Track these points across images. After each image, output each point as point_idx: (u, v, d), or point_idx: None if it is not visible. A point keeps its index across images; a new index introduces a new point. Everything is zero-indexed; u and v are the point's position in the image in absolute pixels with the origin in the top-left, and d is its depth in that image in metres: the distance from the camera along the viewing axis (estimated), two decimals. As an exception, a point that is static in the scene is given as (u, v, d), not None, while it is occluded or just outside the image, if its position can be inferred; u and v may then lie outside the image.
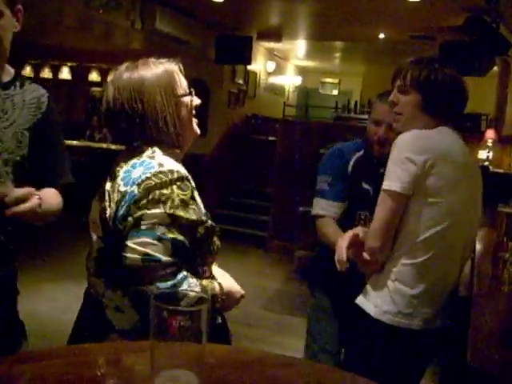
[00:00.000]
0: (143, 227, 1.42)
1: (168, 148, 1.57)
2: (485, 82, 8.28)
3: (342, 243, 1.90)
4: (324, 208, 2.44)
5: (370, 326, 1.90)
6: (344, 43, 10.74)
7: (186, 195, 1.47)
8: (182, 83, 1.63)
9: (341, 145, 2.60)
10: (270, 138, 9.58)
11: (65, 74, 11.02)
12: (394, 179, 1.80)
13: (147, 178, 1.45)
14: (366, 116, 10.30)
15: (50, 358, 1.09)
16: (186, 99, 1.63)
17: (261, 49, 10.91)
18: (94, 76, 10.78)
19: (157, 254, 1.41)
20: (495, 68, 7.58)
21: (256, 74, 10.99)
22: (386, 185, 1.83)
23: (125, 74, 1.58)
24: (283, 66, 13.09)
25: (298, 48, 11.56)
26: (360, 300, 1.96)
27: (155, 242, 1.41)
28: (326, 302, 2.64)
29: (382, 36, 8.71)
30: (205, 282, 1.54)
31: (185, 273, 1.46)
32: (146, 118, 1.53)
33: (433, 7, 6.40)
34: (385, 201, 1.83)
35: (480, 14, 5.97)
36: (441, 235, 1.82)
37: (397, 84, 1.97)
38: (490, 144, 7.08)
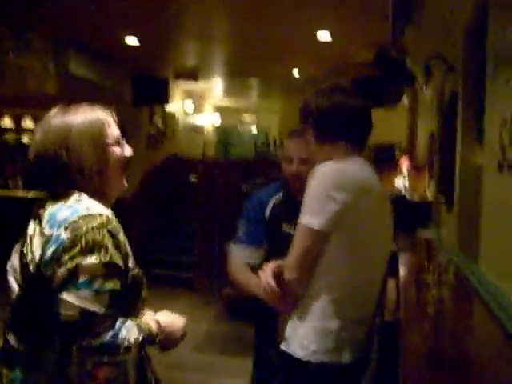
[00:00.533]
0: (80, 280, 1.36)
1: (93, 197, 1.52)
2: (396, 113, 8.65)
3: (267, 274, 1.85)
4: (237, 254, 2.45)
5: (297, 370, 1.83)
6: (260, 80, 10.95)
7: (117, 240, 1.44)
8: (113, 132, 1.59)
9: (259, 191, 2.63)
10: (192, 179, 9.54)
11: (-26, 120, 10.58)
12: (313, 215, 1.74)
13: (74, 222, 1.41)
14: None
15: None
16: (116, 149, 1.58)
17: (178, 89, 10.93)
18: (6, 122, 10.41)
19: (96, 309, 1.35)
20: (405, 100, 7.93)
21: (174, 114, 10.98)
22: (304, 219, 1.77)
23: (53, 119, 1.54)
24: (202, 105, 13.17)
25: (215, 86, 11.69)
26: (284, 345, 1.88)
27: (93, 295, 1.36)
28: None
29: (295, 72, 8.94)
30: (140, 320, 1.50)
31: (120, 319, 1.41)
32: (70, 164, 1.50)
33: (343, 45, 6.65)
34: (301, 236, 1.79)
35: (387, 50, 6.24)
36: (357, 268, 1.80)
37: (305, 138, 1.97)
38: (405, 172, 7.34)
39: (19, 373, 1.44)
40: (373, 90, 7.16)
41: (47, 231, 1.42)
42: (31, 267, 1.42)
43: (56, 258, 1.39)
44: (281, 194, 2.53)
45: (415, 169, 7.29)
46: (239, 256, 2.45)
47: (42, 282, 1.40)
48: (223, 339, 5.71)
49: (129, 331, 1.39)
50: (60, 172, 1.50)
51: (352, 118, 1.88)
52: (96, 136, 1.54)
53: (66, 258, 1.37)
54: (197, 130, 12.77)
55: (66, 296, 1.35)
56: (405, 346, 1.48)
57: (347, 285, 1.81)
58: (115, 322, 1.38)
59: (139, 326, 1.46)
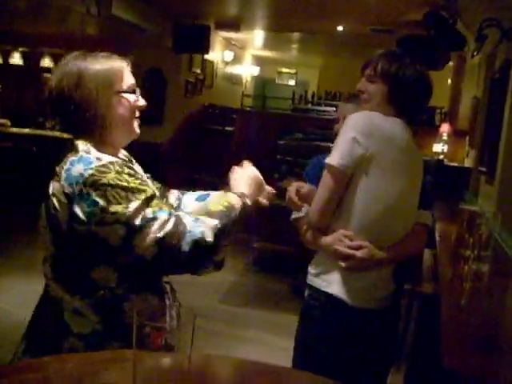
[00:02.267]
0: (137, 224, 1.39)
1: (101, 145, 1.54)
2: (439, 75, 8.43)
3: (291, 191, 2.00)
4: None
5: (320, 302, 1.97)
6: (302, 34, 10.74)
7: (137, 176, 1.50)
8: (127, 81, 1.60)
9: (321, 155, 2.67)
10: (227, 128, 9.52)
11: (16, 59, 10.67)
12: (338, 155, 1.85)
13: (92, 175, 1.42)
14: (323, 108, 10.38)
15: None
16: (128, 97, 1.59)
17: (218, 38, 10.80)
18: (46, 62, 10.46)
19: (162, 234, 1.40)
20: (450, 63, 7.71)
21: (213, 63, 10.89)
22: (329, 159, 1.87)
23: (70, 62, 1.55)
24: (241, 56, 13.01)
25: (255, 38, 11.51)
26: (310, 280, 2.02)
27: (155, 226, 1.40)
28: None
29: (340, 28, 8.74)
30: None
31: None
32: (81, 109, 1.51)
33: (393, 1, 6.45)
34: (325, 175, 1.89)
35: (438, 10, 6.04)
36: (377, 215, 1.89)
37: (366, 73, 1.99)
38: (445, 137, 7.21)
39: (64, 319, 1.49)
40: (420, 51, 6.97)
41: (67, 189, 1.44)
42: (64, 226, 1.45)
43: (97, 220, 1.41)
44: None
45: (456, 134, 7.17)
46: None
47: (75, 240, 1.44)
48: (249, 291, 5.79)
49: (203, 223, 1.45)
50: (73, 115, 1.52)
51: (420, 89, 1.97)
52: (107, 83, 1.55)
53: (110, 217, 1.40)
54: (235, 81, 12.66)
55: (138, 240, 1.39)
56: (447, 324, 1.48)
57: (366, 230, 1.89)
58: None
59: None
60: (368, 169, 1.84)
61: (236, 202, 1.54)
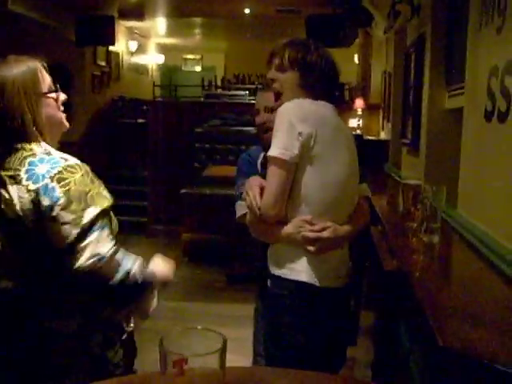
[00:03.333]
0: (92, 231, 1.46)
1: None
2: (345, 52, 8.62)
3: (255, 192, 1.96)
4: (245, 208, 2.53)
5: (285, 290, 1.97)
6: (205, 19, 10.63)
7: (99, 181, 1.56)
8: (46, 81, 1.62)
9: (248, 150, 2.72)
10: (139, 121, 9.29)
11: None
12: (280, 146, 1.86)
13: (59, 172, 1.47)
14: (235, 92, 10.35)
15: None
16: (51, 96, 1.62)
17: (121, 28, 10.48)
18: None
19: (110, 250, 1.47)
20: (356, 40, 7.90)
21: (118, 54, 10.57)
22: (273, 152, 1.87)
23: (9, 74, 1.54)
24: (145, 45, 12.72)
25: (159, 25, 11.28)
26: (272, 269, 2.01)
27: (105, 238, 1.48)
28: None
29: (247, 11, 8.72)
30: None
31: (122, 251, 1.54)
32: (9, 118, 1.51)
33: (298, -18, 6.51)
34: (274, 169, 1.88)
35: (344, -12, 6.17)
36: (327, 194, 1.93)
37: (274, 63, 2.02)
38: (359, 112, 7.40)
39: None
40: (327, 29, 7.09)
41: (32, 186, 1.45)
42: (18, 224, 1.45)
43: (54, 215, 1.43)
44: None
45: (369, 108, 7.37)
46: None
47: (39, 235, 1.45)
48: (186, 284, 5.74)
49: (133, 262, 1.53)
50: (2, 127, 1.52)
51: (328, 72, 2.01)
52: (29, 86, 1.55)
53: (69, 216, 1.43)
54: (141, 71, 12.37)
55: (84, 248, 1.43)
56: (426, 301, 1.51)
57: (322, 213, 1.92)
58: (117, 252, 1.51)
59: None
60: (311, 153, 1.87)
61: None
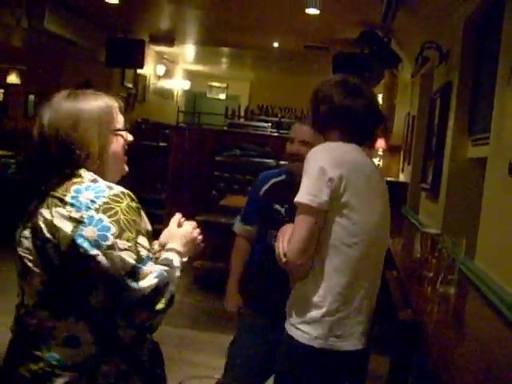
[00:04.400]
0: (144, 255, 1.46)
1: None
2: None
3: (284, 238, 1.88)
4: (237, 228, 2.80)
5: (297, 352, 1.87)
6: (233, 49, 10.77)
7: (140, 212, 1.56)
8: (120, 120, 1.64)
9: (263, 173, 2.83)
10: (161, 144, 9.37)
11: None
12: (310, 192, 1.78)
13: (105, 203, 1.44)
14: (259, 123, 10.42)
15: None
16: (122, 134, 1.64)
17: (151, 52, 10.66)
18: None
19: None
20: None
21: (146, 77, 10.73)
22: (302, 198, 1.80)
23: (64, 102, 1.57)
24: (172, 70, 12.90)
25: (187, 52, 11.45)
26: (288, 328, 1.90)
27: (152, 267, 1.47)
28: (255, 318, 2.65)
29: (275, 45, 8.82)
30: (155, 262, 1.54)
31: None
32: (78, 147, 1.52)
33: (330, 20, 6.57)
34: (302, 216, 1.80)
35: (373, 29, 6.21)
36: (357, 252, 1.83)
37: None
38: (380, 153, 7.40)
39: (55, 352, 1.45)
40: (353, 68, 7.13)
41: (75, 214, 1.43)
42: (61, 249, 1.42)
43: (110, 244, 1.41)
44: (284, 177, 2.65)
45: (390, 150, 7.36)
46: (237, 230, 2.79)
47: (74, 263, 1.42)
48: (194, 312, 5.71)
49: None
50: (68, 154, 1.51)
51: (362, 119, 1.95)
52: (105, 121, 1.58)
53: (125, 244, 1.42)
54: (166, 95, 12.52)
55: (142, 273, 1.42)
56: (439, 355, 1.48)
57: (349, 265, 1.83)
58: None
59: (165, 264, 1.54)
60: (341, 200, 1.79)
61: (176, 261, 1.57)
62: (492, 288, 2.29)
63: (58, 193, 1.48)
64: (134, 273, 1.41)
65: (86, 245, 1.40)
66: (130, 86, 9.92)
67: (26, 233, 1.49)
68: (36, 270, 1.47)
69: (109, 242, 1.40)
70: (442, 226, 3.74)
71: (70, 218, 1.42)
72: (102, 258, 1.39)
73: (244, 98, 13.90)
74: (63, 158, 1.52)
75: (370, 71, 7.09)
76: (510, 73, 2.53)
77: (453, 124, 3.84)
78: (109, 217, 1.42)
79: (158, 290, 1.43)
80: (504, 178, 2.43)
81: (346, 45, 7.18)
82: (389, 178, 6.99)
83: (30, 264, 1.48)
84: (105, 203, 1.44)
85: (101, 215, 1.42)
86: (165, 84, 12.28)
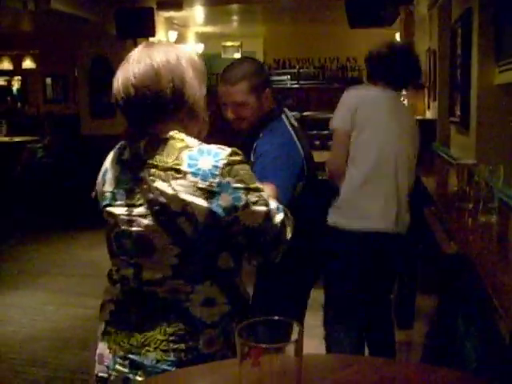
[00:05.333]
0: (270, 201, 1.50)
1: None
2: (387, 32, 8.46)
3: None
4: None
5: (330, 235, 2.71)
6: (241, 5, 10.57)
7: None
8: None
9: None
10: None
11: None
12: (338, 120, 2.73)
13: (225, 165, 1.41)
14: (277, 77, 10.30)
15: None
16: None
17: (160, 19, 10.53)
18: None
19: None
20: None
21: (158, 45, 10.63)
22: (331, 125, 2.75)
23: (158, 52, 1.48)
24: (184, 35, 12.77)
25: (197, 14, 11.29)
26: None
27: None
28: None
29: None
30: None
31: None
32: (186, 100, 1.48)
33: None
34: (334, 137, 2.75)
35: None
36: (373, 163, 2.67)
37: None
38: (404, 92, 7.24)
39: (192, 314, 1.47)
40: (367, 9, 6.96)
41: (202, 184, 1.38)
42: (198, 221, 1.39)
43: (244, 204, 1.42)
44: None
45: (414, 87, 7.20)
46: None
47: (211, 230, 1.42)
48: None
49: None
50: (172, 109, 1.47)
51: (390, 65, 2.81)
52: (201, 71, 1.54)
53: (254, 197, 1.44)
54: (181, 61, 12.41)
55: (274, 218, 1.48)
56: (490, 282, 1.48)
57: (366, 174, 2.68)
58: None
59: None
60: (359, 127, 2.67)
61: None
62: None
63: (168, 162, 1.40)
64: (268, 217, 1.45)
65: (224, 212, 1.39)
66: (144, 56, 9.85)
67: (141, 210, 1.43)
68: (165, 245, 1.43)
69: (243, 202, 1.41)
70: (476, 157, 3.68)
71: (199, 189, 1.38)
72: (241, 218, 1.42)
73: (259, 54, 13.70)
74: (166, 114, 1.47)
75: (385, 10, 6.92)
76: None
77: (477, 52, 3.73)
78: (234, 177, 1.40)
79: (285, 222, 1.50)
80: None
81: (358, -14, 6.98)
82: (416, 117, 6.87)
83: (155, 241, 1.43)
84: (225, 165, 1.40)
85: (227, 178, 1.40)
86: (178, 50, 12.17)
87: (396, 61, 2.79)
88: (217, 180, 1.39)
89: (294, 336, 0.86)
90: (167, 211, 1.39)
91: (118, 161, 1.53)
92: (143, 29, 8.42)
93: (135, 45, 9.47)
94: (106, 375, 1.51)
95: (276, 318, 0.92)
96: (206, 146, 1.45)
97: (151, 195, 1.40)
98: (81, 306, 4.70)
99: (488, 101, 3.71)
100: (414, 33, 7.58)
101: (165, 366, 1.43)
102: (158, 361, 1.44)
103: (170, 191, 1.38)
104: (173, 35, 11.36)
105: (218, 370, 1.21)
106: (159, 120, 1.48)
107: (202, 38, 14.08)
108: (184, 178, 1.38)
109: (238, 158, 1.44)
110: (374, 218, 2.66)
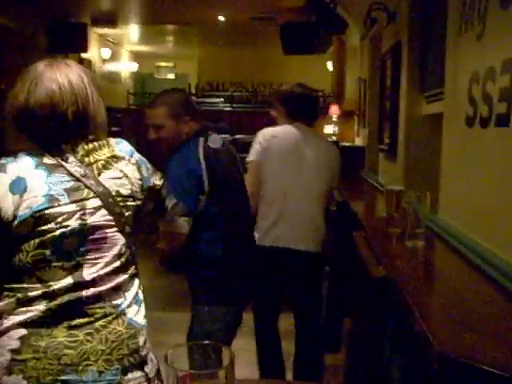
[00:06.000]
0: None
1: None
2: (319, 59, 8.68)
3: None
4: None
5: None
6: (177, 26, 10.58)
7: None
8: None
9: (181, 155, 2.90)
10: (113, 129, 9.18)
11: None
12: (252, 155, 3.12)
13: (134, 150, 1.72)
14: (213, 99, 10.32)
15: None
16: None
17: (94, 35, 10.38)
18: None
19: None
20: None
21: (91, 61, 10.46)
22: (248, 158, 3.13)
23: (70, 74, 1.56)
24: (118, 53, 12.62)
25: (131, 32, 11.21)
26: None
27: None
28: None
29: (221, 18, 8.70)
30: None
31: None
32: (95, 117, 1.59)
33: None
34: (249, 169, 3.08)
35: (319, -4, 6.18)
36: (278, 194, 3.11)
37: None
38: (334, 119, 7.43)
39: None
40: (301, 37, 7.12)
41: (133, 160, 1.66)
42: (135, 189, 1.63)
43: (156, 183, 1.77)
44: None
45: (344, 115, 7.40)
46: None
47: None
48: (166, 294, 5.67)
49: None
50: (93, 123, 1.58)
51: (298, 105, 3.25)
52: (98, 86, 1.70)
53: (158, 180, 1.79)
54: (114, 79, 12.25)
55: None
56: (419, 307, 1.50)
57: (272, 203, 3.12)
58: None
59: None
60: (265, 161, 3.10)
61: None
62: (458, 238, 2.33)
63: (105, 154, 1.59)
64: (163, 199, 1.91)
65: (147, 178, 1.72)
66: (76, 71, 9.65)
67: (95, 202, 1.51)
68: (116, 233, 1.55)
69: (156, 181, 1.78)
70: (404, 183, 3.78)
71: (132, 164, 1.65)
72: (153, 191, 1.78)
73: (193, 76, 13.73)
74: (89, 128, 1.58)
75: (318, 39, 7.09)
76: (459, 26, 2.55)
77: (406, 83, 3.87)
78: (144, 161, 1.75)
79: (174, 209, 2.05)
80: (461, 129, 2.46)
81: (293, 13, 7.14)
82: (345, 143, 7.04)
83: (108, 230, 1.54)
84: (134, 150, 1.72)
85: (137, 154, 1.72)
86: (111, 67, 12.01)
87: (311, 100, 3.35)
88: (136, 157, 1.69)
89: (226, 361, 0.84)
90: (120, 195, 1.56)
91: (39, 166, 1.48)
92: (75, 44, 8.29)
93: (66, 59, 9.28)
94: None
95: (206, 342, 0.89)
96: (114, 138, 1.68)
97: (101, 189, 1.51)
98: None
99: (415, 130, 3.84)
100: (346, 62, 7.80)
101: (109, 377, 1.40)
102: (100, 373, 1.39)
103: (118, 174, 1.58)
104: (106, 52, 11.21)
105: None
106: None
107: (137, 57, 13.98)
108: (122, 160, 1.62)
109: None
110: (262, 234, 3.09)
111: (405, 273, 1.97)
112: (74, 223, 1.45)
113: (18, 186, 1.44)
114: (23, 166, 1.48)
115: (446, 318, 1.51)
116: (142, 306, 1.57)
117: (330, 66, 9.70)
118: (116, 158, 1.60)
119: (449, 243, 2.40)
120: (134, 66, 13.55)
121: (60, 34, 8.06)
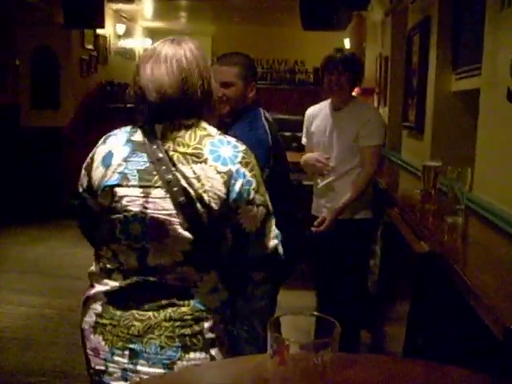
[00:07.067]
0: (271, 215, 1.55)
1: None
2: (335, 36, 8.57)
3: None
4: None
5: None
6: (191, 2, 10.46)
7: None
8: None
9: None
10: (129, 105, 9.16)
11: None
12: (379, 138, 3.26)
13: (243, 157, 1.48)
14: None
15: None
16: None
17: (109, 11, 10.28)
18: None
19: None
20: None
21: (106, 38, 10.39)
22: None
23: (187, 50, 1.53)
24: (132, 29, 12.53)
25: (146, 8, 11.09)
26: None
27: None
28: None
29: (237, -6, 8.60)
30: None
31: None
32: (208, 95, 1.53)
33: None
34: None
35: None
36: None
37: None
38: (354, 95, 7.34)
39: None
40: (320, 13, 7.01)
41: (222, 168, 1.44)
42: (213, 205, 1.42)
43: (251, 198, 1.48)
44: None
45: (363, 93, 7.32)
46: None
47: (221, 218, 1.45)
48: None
49: None
50: (201, 103, 1.51)
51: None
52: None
53: (260, 199, 1.50)
54: (128, 56, 12.19)
55: (270, 230, 1.54)
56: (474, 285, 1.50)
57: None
58: None
59: None
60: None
61: None
62: (499, 215, 2.32)
63: (190, 147, 1.45)
64: (263, 231, 1.51)
65: (237, 196, 1.45)
66: (91, 47, 9.60)
67: (159, 192, 1.43)
68: (180, 230, 1.42)
69: (251, 197, 1.46)
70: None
71: (219, 173, 1.43)
72: (241, 216, 1.47)
73: (207, 53, 13.61)
74: (196, 108, 1.51)
75: (338, 15, 6.99)
76: (501, 0, 2.50)
77: (435, 60, 3.83)
78: (250, 171, 1.48)
79: (278, 250, 1.56)
80: (501, 104, 2.43)
81: (312, -11, 7.01)
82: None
83: (170, 226, 1.42)
84: (243, 157, 1.48)
85: (244, 169, 1.46)
86: (126, 44, 11.95)
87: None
88: (236, 167, 1.45)
89: (335, 333, 0.83)
90: (186, 195, 1.41)
91: (127, 142, 1.52)
92: (92, 20, 8.19)
93: (82, 35, 9.23)
94: (103, 368, 1.49)
95: (314, 313, 0.89)
96: (225, 137, 1.52)
97: (170, 176, 1.41)
98: (22, 304, 4.50)
99: (444, 107, 3.80)
100: (365, 39, 7.71)
101: (170, 352, 1.44)
102: (161, 347, 1.44)
103: (190, 174, 1.42)
104: (121, 28, 11.14)
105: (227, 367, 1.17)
106: (187, 116, 1.51)
107: (151, 33, 13.88)
108: (205, 162, 1.43)
109: (252, 156, 1.53)
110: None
111: (451, 248, 1.96)
112: (135, 209, 1.45)
113: (107, 160, 1.51)
114: (118, 140, 1.55)
115: (504, 294, 1.50)
116: (216, 292, 1.51)
117: (346, 43, 9.59)
118: (196, 158, 1.43)
119: (488, 220, 2.39)
120: (148, 43, 13.45)
121: (77, 9, 7.97)
